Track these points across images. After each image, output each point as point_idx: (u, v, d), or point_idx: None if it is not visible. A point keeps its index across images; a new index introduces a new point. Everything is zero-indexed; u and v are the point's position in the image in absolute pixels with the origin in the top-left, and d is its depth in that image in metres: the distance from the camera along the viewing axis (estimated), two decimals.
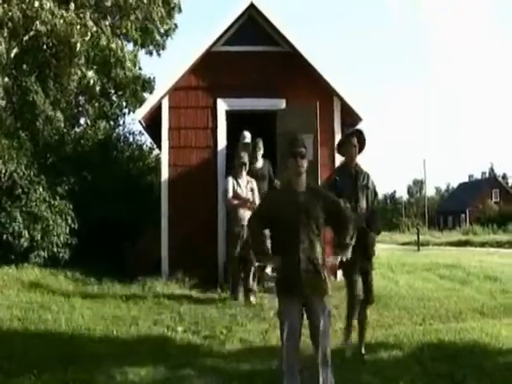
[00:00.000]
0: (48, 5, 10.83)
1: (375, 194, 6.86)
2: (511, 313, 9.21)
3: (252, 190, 9.80)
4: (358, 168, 6.72)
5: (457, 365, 6.24)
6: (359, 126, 11.96)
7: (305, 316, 4.92)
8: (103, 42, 12.37)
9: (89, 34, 11.33)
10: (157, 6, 14.17)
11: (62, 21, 10.93)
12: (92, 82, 12.70)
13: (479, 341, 7.28)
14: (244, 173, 9.85)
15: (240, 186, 9.73)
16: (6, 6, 10.60)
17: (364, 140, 6.77)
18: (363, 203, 6.57)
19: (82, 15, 11.43)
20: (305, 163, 4.99)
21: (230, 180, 9.79)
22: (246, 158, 9.87)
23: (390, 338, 7.39)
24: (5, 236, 11.83)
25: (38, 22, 10.80)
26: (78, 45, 11.43)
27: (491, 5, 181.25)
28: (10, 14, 10.61)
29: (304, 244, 4.83)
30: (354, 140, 6.66)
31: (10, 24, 10.77)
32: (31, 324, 8.10)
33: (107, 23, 13.58)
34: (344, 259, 5.18)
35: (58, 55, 13.79)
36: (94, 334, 7.71)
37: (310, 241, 4.86)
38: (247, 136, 10.75)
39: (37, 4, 10.70)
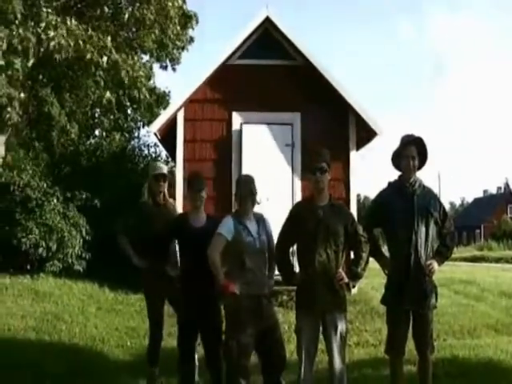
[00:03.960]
0: (63, 31, 10.97)
1: (444, 216, 5.33)
2: None
3: (266, 234, 5.28)
4: (418, 185, 5.32)
5: (471, 381, 6.21)
6: (374, 141, 12.01)
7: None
8: (120, 64, 12.54)
9: (105, 58, 11.47)
10: (173, 23, 14.28)
11: (80, 41, 11.09)
12: (109, 101, 12.91)
13: (494, 357, 7.23)
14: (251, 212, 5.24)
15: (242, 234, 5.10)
16: (21, 31, 10.74)
17: (425, 150, 5.38)
18: (421, 232, 5.14)
19: (99, 34, 11.56)
20: (326, 178, 5.00)
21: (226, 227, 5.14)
22: (253, 186, 5.20)
23: None
24: (21, 246, 11.89)
25: (52, 46, 10.97)
26: (93, 68, 11.63)
27: (505, 13, 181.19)
28: (25, 42, 10.77)
29: (321, 257, 4.84)
30: (412, 150, 5.29)
31: (24, 46, 10.94)
32: (45, 334, 8.14)
33: (124, 35, 13.76)
34: (351, 286, 5.09)
35: (74, 67, 13.97)
36: (107, 346, 7.73)
37: (328, 255, 4.86)
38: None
39: (52, 34, 10.85)
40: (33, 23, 11.25)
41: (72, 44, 11.12)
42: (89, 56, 11.45)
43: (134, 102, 18.92)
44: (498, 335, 8.79)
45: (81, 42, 11.19)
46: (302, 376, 4.88)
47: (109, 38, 11.82)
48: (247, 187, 5.14)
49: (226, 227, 5.08)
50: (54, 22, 11.09)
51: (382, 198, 5.47)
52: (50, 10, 11.37)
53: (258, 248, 5.07)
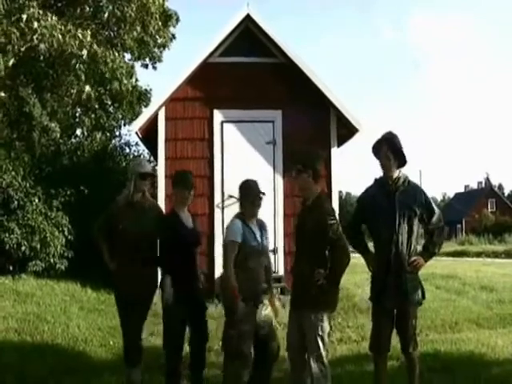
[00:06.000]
0: (47, 23, 10.88)
1: (431, 212, 5.22)
2: (507, 323, 9.22)
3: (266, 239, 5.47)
4: (401, 182, 5.22)
5: (453, 375, 6.25)
6: (355, 138, 12.04)
7: None
8: (100, 56, 12.44)
9: (85, 51, 11.38)
10: (154, 19, 14.24)
11: (59, 35, 10.99)
12: (89, 96, 12.80)
13: (475, 351, 7.30)
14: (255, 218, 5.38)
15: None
16: (4, 26, 10.64)
17: (399, 146, 5.25)
18: (404, 230, 5.07)
19: (79, 29, 11.48)
20: (303, 179, 4.97)
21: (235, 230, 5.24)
22: (260, 190, 5.31)
23: None
24: (3, 246, 11.82)
25: (35, 38, 10.87)
26: (74, 60, 11.52)
27: (481, 11, 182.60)
28: (8, 34, 10.67)
29: (300, 258, 4.90)
30: (384, 149, 5.21)
31: (6, 41, 10.83)
32: (27, 335, 8.08)
33: (105, 34, 13.67)
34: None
35: (55, 66, 13.86)
36: (90, 345, 7.70)
37: (303, 256, 4.91)
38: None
39: (36, 25, 10.75)
40: (15, 18, 11.13)
41: (56, 35, 11.02)
42: (69, 50, 11.35)
43: (116, 99, 18.81)
44: (480, 329, 8.88)
45: (60, 36, 11.08)
46: (291, 373, 4.96)
47: (88, 32, 11.72)
48: (256, 191, 5.21)
49: (237, 231, 5.14)
50: (36, 15, 10.98)
51: (367, 196, 5.44)
52: (32, 4, 11.27)
53: (261, 252, 5.21)
